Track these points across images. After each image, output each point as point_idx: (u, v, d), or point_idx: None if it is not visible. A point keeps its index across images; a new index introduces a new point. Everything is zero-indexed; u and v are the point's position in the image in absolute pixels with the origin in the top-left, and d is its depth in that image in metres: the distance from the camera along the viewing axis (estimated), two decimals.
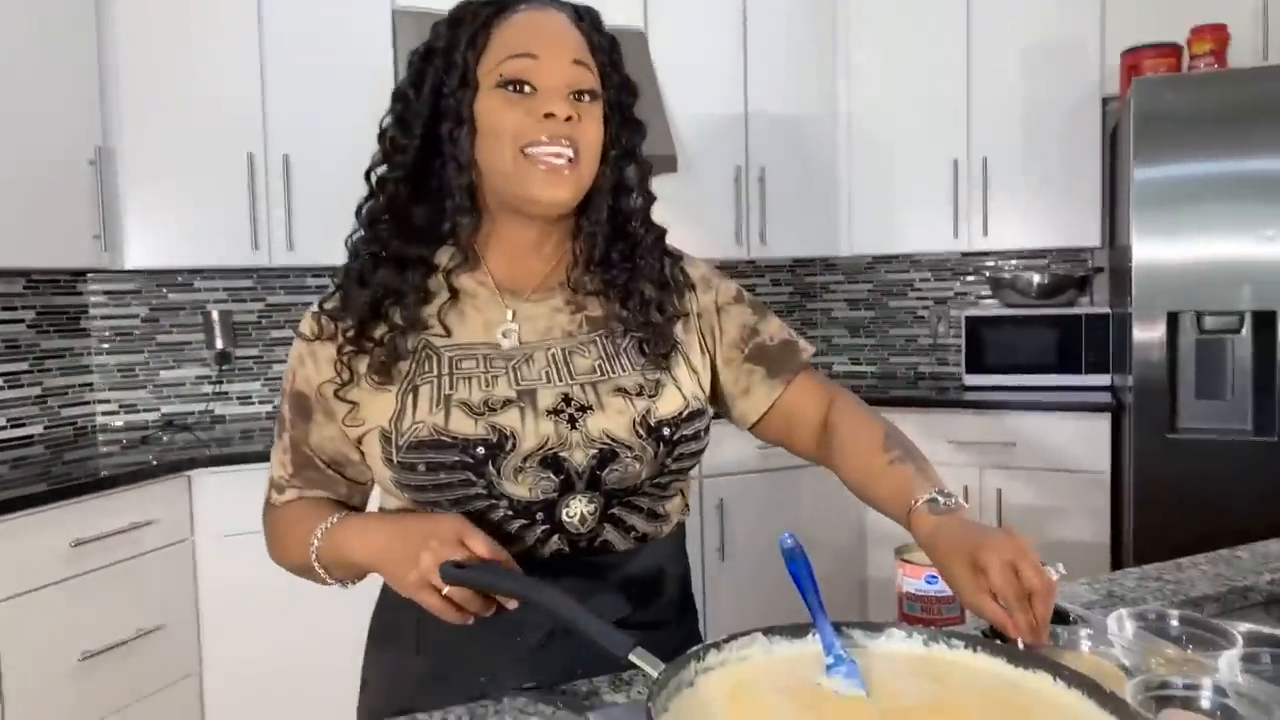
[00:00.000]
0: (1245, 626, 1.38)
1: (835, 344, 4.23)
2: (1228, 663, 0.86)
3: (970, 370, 3.58)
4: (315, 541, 1.05)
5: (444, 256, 1.10)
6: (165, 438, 3.08)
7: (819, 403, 1.20)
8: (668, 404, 1.09)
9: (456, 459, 1.01)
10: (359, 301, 1.06)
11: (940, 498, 1.01)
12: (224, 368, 3.38)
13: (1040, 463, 3.21)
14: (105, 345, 3.25)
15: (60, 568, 2.34)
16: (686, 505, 1.20)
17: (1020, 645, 0.87)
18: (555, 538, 1.07)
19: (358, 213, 1.10)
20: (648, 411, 1.07)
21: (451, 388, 1.04)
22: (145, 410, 3.31)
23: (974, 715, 0.78)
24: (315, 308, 1.11)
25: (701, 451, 1.14)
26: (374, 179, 1.09)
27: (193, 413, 3.35)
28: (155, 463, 2.65)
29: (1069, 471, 3.18)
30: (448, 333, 1.08)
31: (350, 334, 1.06)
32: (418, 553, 0.94)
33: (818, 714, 0.79)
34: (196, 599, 2.71)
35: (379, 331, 1.06)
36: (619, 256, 1.12)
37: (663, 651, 0.88)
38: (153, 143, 2.91)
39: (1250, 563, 1.52)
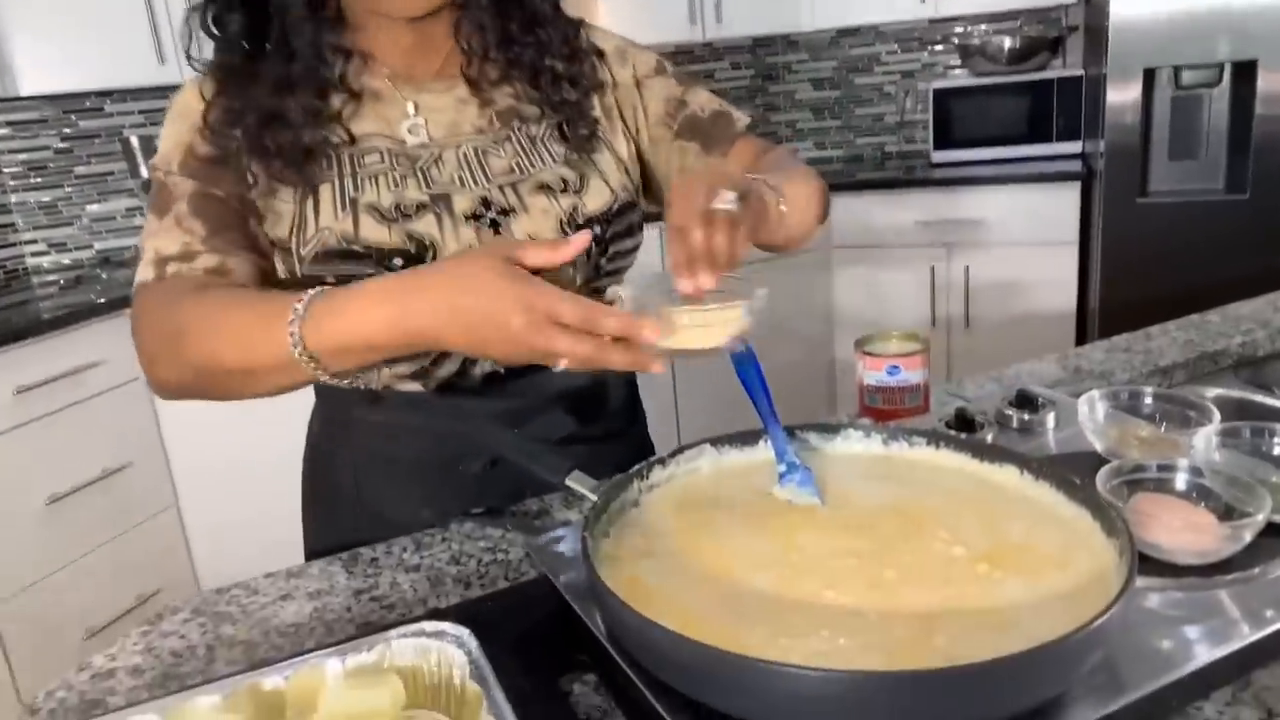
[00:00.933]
0: (1214, 391, 1.36)
1: (800, 129, 4.04)
2: (1204, 440, 0.81)
3: (938, 146, 3.45)
4: (295, 322, 0.77)
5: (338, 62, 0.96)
6: (104, 275, 2.94)
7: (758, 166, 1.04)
8: (595, 199, 0.99)
9: (371, 272, 0.91)
10: (254, 98, 0.92)
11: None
12: None
13: (1009, 238, 3.15)
14: (19, 182, 3.04)
15: (3, 417, 2.27)
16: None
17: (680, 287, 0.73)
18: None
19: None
20: (574, 209, 0.97)
21: (357, 189, 0.93)
22: (77, 249, 3.14)
23: (936, 516, 0.72)
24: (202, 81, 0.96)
25: (636, 249, 1.05)
26: None
27: (129, 247, 3.18)
28: (101, 300, 2.53)
29: (1038, 245, 3.12)
30: (349, 135, 0.96)
31: (246, 132, 0.93)
32: (508, 314, 0.70)
33: (769, 527, 0.73)
34: (160, 435, 2.67)
35: (274, 131, 0.93)
36: (519, 29, 0.98)
37: (614, 464, 0.82)
38: None
39: (1221, 326, 1.48)
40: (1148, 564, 0.69)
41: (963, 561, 0.67)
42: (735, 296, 0.73)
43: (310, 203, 0.93)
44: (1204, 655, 0.61)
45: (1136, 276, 2.88)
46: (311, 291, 0.78)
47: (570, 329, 0.69)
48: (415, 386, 1.00)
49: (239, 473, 2.66)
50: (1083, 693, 0.58)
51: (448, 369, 0.98)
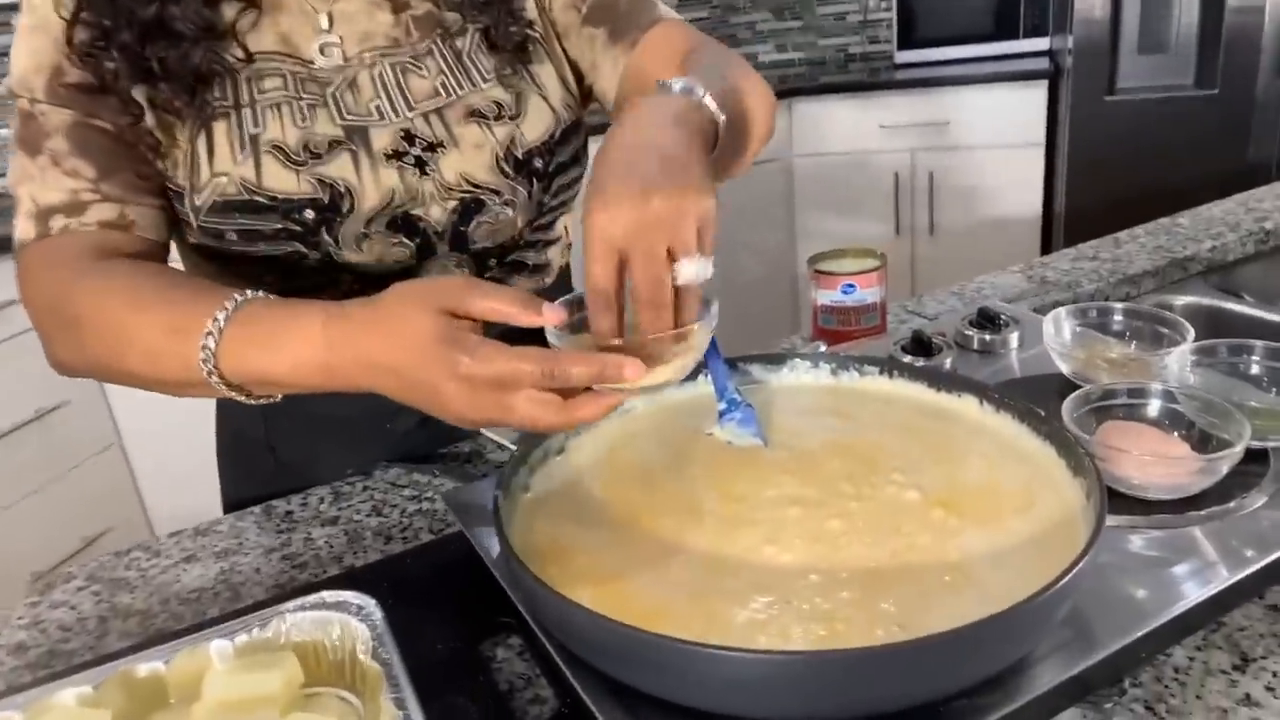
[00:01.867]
0: (1184, 299, 1.31)
1: (760, 30, 3.88)
2: (1178, 360, 0.74)
3: (902, 46, 3.32)
4: (210, 342, 0.65)
5: None
6: None
7: (678, 59, 0.86)
8: (535, 125, 0.87)
9: (279, 227, 0.80)
10: (127, 8, 0.76)
11: (678, 84, 0.68)
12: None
13: (974, 141, 3.06)
14: None
15: None
16: (570, 242, 1.02)
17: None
18: None
19: None
20: (512, 140, 0.85)
21: (257, 122, 0.80)
22: None
23: (889, 454, 0.66)
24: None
25: (581, 178, 0.93)
26: None
27: None
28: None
29: (1004, 148, 3.03)
30: (245, 53, 0.82)
31: (123, 52, 0.78)
32: (436, 384, 0.57)
33: (706, 473, 0.66)
34: None
35: (157, 47, 0.77)
36: None
37: None
38: None
39: (1190, 230, 1.41)
40: (1116, 500, 0.64)
41: (916, 507, 0.60)
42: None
43: (204, 140, 0.79)
44: (1178, 602, 0.56)
45: (1104, 177, 2.82)
46: (230, 304, 0.65)
47: (525, 391, 0.55)
48: None
49: (184, 407, 2.56)
50: (1046, 651, 0.52)
51: None
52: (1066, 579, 0.47)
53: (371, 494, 0.90)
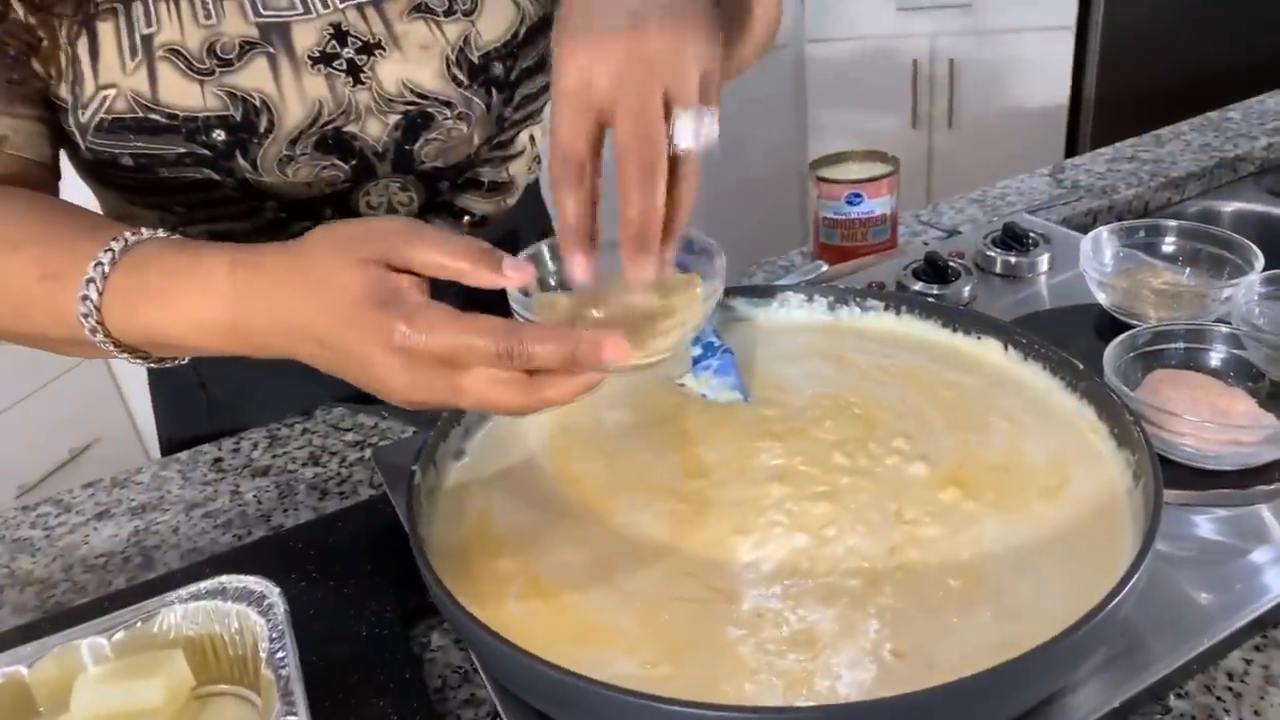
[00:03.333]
0: (1232, 206, 1.17)
1: None
2: (1244, 292, 0.62)
3: None
4: (91, 292, 0.53)
5: None
6: None
7: None
8: (494, 21, 0.72)
9: (182, 151, 0.67)
10: None
11: None
12: None
13: (998, 24, 2.83)
14: None
15: None
16: (538, 157, 0.88)
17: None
18: None
19: None
20: (466, 41, 0.71)
21: (150, 21, 0.65)
22: None
23: (892, 413, 0.55)
24: None
25: (549, 88, 0.79)
26: None
27: None
28: None
29: (1030, 31, 2.81)
30: None
31: None
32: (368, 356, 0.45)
33: (673, 436, 0.56)
34: None
35: None
36: None
37: None
38: None
39: (1242, 125, 1.26)
40: (1166, 470, 0.52)
41: (923, 484, 0.50)
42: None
43: (85, 43, 0.65)
44: (1246, 607, 0.45)
45: (1142, 63, 2.61)
46: (118, 244, 0.53)
47: (478, 370, 0.43)
48: None
49: None
50: (1079, 674, 0.42)
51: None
52: (1106, 610, 0.36)
53: (310, 438, 0.80)
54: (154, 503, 0.75)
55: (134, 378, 2.61)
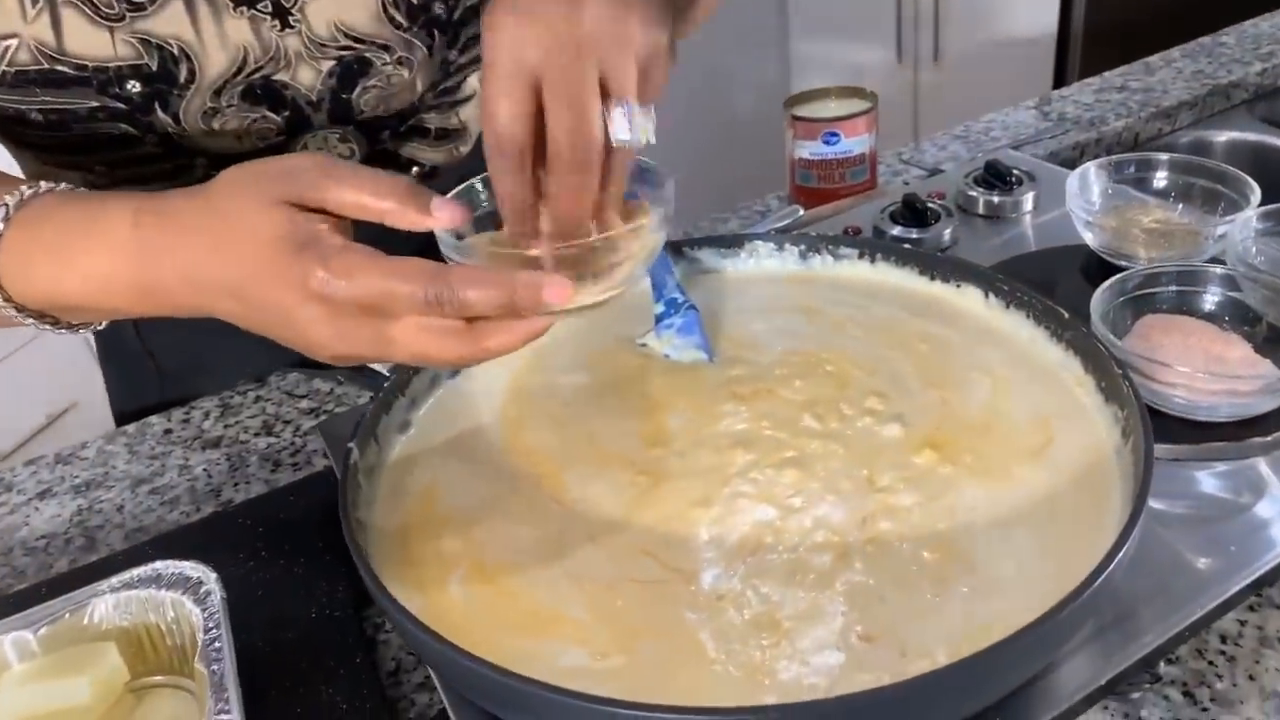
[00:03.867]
0: (1225, 135, 1.13)
1: None
2: (1240, 230, 0.58)
3: None
4: None
5: None
6: None
7: None
8: None
9: (95, 105, 0.62)
10: None
11: None
12: None
13: None
14: None
15: None
16: None
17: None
18: None
19: None
20: None
21: None
22: None
23: (865, 370, 0.51)
24: None
25: None
26: None
27: None
28: None
29: None
30: None
31: None
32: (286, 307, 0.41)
33: (634, 401, 0.52)
34: None
35: None
36: None
37: None
38: None
39: (1236, 49, 1.21)
40: (1156, 422, 0.49)
41: (898, 447, 0.46)
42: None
43: None
44: (1242, 569, 0.42)
45: None
46: (11, 199, 0.48)
47: (407, 319, 0.39)
48: None
49: None
50: (1066, 651, 0.39)
51: None
52: (1093, 587, 0.33)
53: (264, 406, 0.76)
54: (99, 479, 0.71)
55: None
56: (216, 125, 0.65)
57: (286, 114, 0.67)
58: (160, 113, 0.63)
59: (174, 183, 0.69)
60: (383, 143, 0.73)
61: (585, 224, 0.42)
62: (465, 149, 0.80)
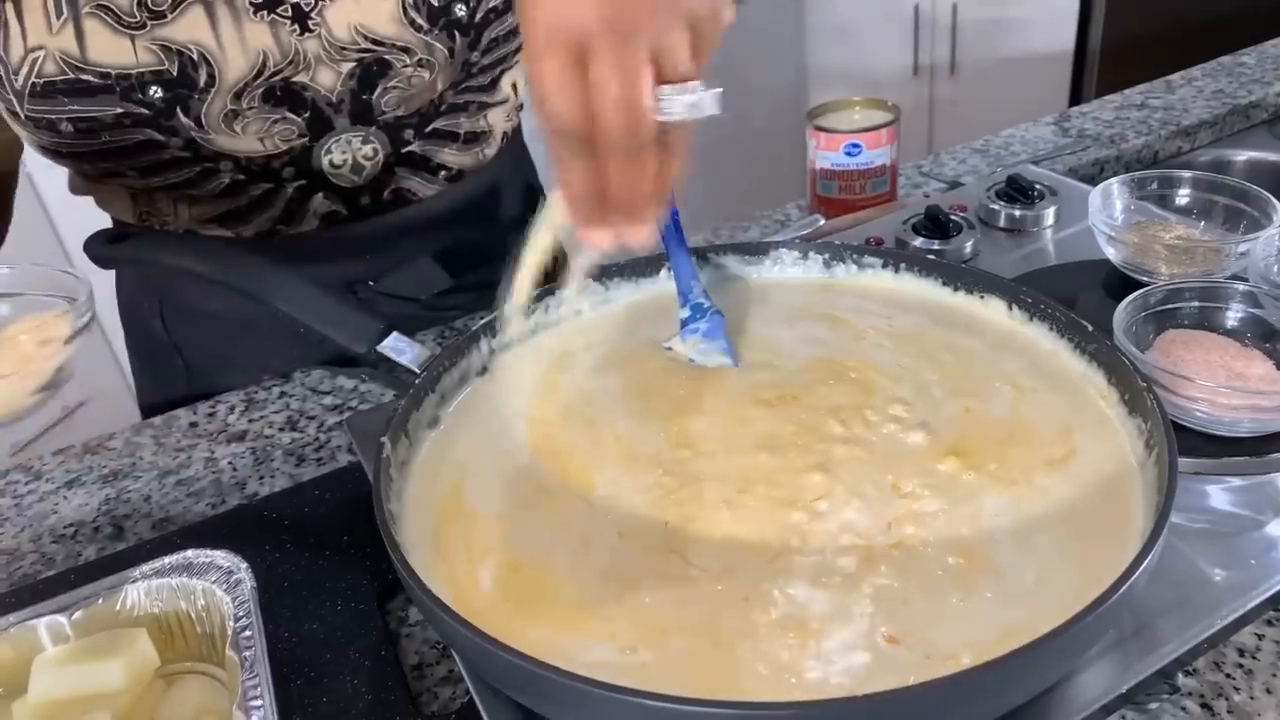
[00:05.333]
0: (1245, 155, 1.13)
1: None
2: (1263, 247, 0.59)
3: None
4: None
5: None
6: None
7: None
8: None
9: (119, 112, 0.63)
10: None
11: None
12: None
13: None
14: None
15: None
16: (520, 103, 0.84)
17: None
18: (320, 196, 0.73)
19: None
20: None
21: None
22: None
23: (890, 378, 0.52)
24: None
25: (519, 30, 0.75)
26: None
27: None
28: None
29: None
30: None
31: None
32: None
33: (659, 404, 0.53)
34: (57, 235, 2.41)
35: None
36: None
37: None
38: None
39: (1256, 69, 1.22)
40: (1178, 435, 0.50)
41: (922, 454, 0.47)
42: None
43: (11, 6, 0.61)
44: (1260, 583, 0.43)
45: (1149, 6, 2.53)
46: None
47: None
48: (226, 233, 0.75)
49: None
50: (1085, 660, 0.40)
51: (267, 215, 0.73)
52: (1115, 596, 0.34)
53: (288, 402, 0.77)
54: (126, 470, 0.72)
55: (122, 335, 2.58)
56: (238, 128, 0.66)
57: (307, 115, 0.68)
58: (182, 117, 0.64)
59: (201, 189, 0.70)
60: (407, 142, 0.74)
61: (644, 210, 0.40)
62: (491, 151, 0.81)
